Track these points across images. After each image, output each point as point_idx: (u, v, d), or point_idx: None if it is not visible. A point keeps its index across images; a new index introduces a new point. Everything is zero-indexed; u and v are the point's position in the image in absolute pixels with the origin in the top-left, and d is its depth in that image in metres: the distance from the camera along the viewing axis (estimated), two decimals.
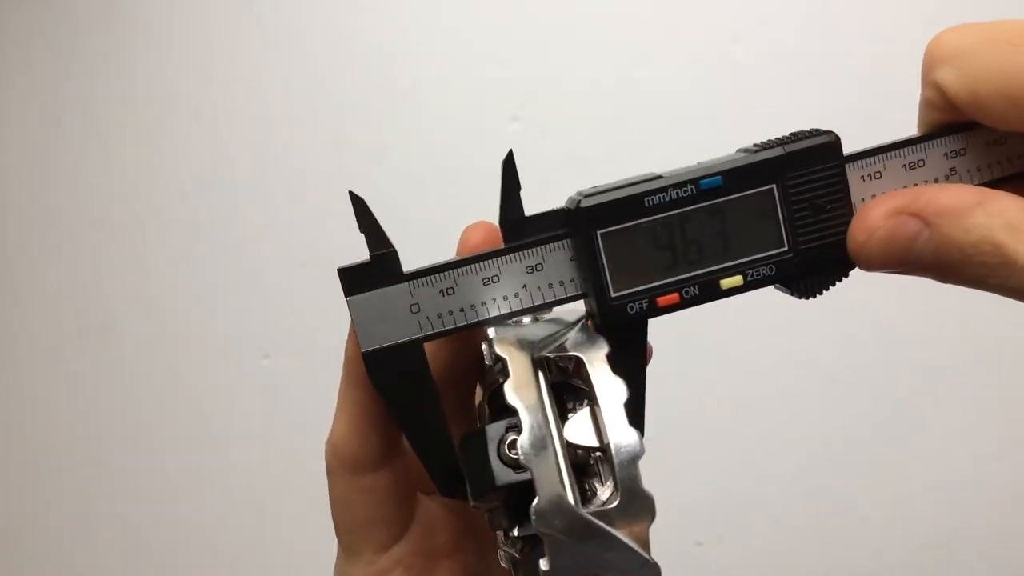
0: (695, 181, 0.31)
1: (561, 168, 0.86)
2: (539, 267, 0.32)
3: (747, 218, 0.31)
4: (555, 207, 0.33)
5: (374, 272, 0.32)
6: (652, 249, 0.31)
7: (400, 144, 0.93)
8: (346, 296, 0.32)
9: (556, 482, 0.29)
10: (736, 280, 0.32)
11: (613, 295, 0.31)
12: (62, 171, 0.99)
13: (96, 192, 0.98)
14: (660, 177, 0.32)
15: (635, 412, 0.31)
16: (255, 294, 0.95)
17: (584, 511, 0.29)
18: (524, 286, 0.32)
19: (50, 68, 0.99)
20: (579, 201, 0.32)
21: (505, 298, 0.32)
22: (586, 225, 0.31)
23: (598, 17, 0.92)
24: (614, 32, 0.92)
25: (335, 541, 0.38)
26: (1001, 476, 0.89)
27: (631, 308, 0.32)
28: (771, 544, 0.91)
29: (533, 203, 0.33)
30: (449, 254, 0.35)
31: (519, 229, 0.32)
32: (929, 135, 0.31)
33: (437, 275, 0.32)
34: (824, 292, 0.32)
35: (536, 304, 0.33)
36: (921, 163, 0.32)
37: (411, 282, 0.32)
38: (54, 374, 0.99)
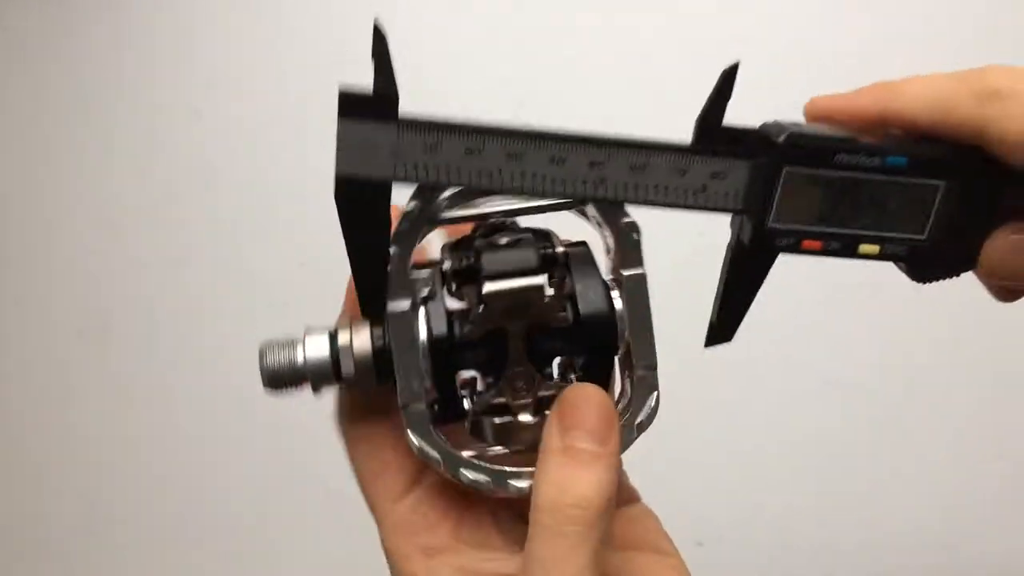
0: (884, 154, 0.34)
1: None
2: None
3: (906, 201, 0.34)
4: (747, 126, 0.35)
5: (372, 105, 0.33)
6: (818, 199, 0.34)
7: None
8: (339, 116, 0.33)
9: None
10: (873, 248, 0.35)
11: (771, 224, 0.34)
12: (62, 171, 0.99)
13: (96, 192, 0.98)
14: (853, 139, 0.34)
15: (733, 325, 0.37)
16: (255, 294, 0.95)
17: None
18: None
19: (49, 68, 0.99)
20: (785, 134, 0.34)
21: (491, 174, 0.33)
22: (780, 156, 0.34)
23: (600, 16, 0.92)
24: (616, 31, 0.92)
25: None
26: (1001, 476, 0.89)
27: (779, 241, 0.35)
28: (771, 544, 0.91)
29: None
30: None
31: (710, 136, 0.34)
32: None
33: (427, 130, 0.33)
34: (934, 282, 0.36)
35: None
36: None
37: (402, 125, 0.33)
38: (54, 374, 0.99)
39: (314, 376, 0.35)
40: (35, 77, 0.99)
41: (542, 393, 0.36)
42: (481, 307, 0.35)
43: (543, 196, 0.35)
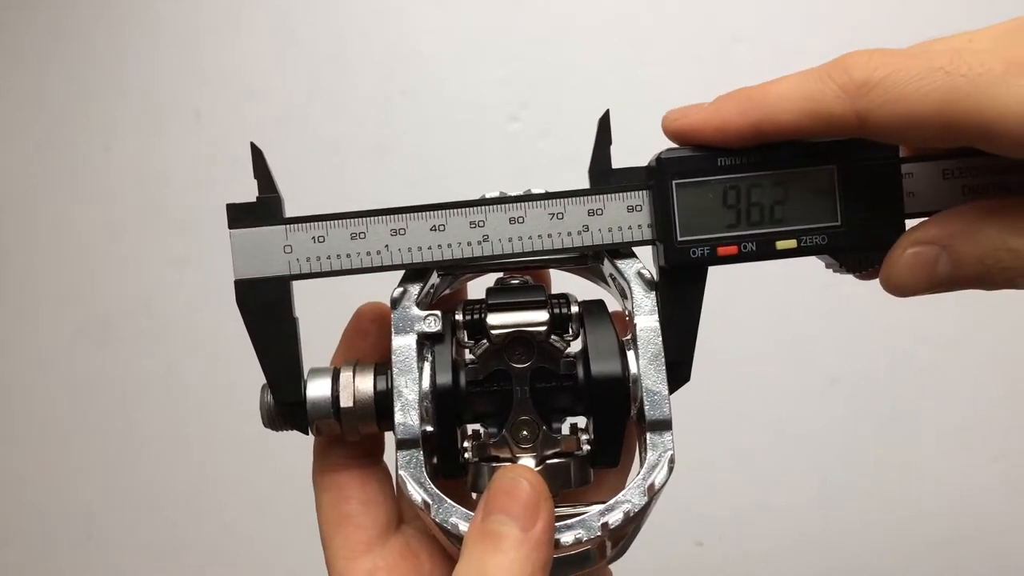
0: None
1: (561, 168, 0.86)
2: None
3: (807, 191, 0.34)
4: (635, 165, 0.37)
5: (258, 212, 0.36)
6: (719, 205, 0.34)
7: (400, 144, 0.92)
8: (229, 228, 0.36)
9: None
10: (791, 243, 0.35)
11: (680, 239, 0.34)
12: (62, 171, 0.99)
13: (96, 192, 0.98)
14: None
15: (686, 353, 0.36)
16: None
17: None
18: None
19: (49, 68, 0.99)
20: (660, 154, 0.35)
21: (379, 252, 0.35)
22: (664, 175, 0.34)
23: (599, 17, 0.92)
24: (615, 32, 0.92)
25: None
26: (1005, 474, 0.89)
27: (694, 252, 0.35)
28: (771, 544, 0.91)
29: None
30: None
31: (605, 178, 0.36)
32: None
33: (312, 223, 0.36)
34: (869, 269, 0.35)
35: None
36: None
37: (288, 226, 0.36)
38: (54, 374, 0.99)
39: (312, 413, 0.36)
40: (35, 77, 0.99)
41: (547, 451, 0.35)
42: (485, 343, 0.35)
43: (432, 266, 0.36)
